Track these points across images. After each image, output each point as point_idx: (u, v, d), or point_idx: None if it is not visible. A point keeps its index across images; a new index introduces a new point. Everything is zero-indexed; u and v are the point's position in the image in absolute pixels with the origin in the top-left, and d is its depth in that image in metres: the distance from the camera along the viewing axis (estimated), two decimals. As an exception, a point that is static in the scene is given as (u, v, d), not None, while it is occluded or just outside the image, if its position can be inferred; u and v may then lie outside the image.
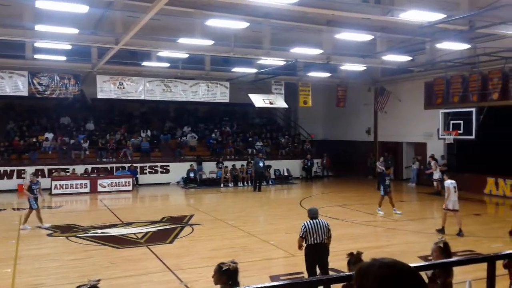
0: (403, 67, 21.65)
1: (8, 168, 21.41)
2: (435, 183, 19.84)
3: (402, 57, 19.42)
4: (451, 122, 19.07)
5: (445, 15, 12.09)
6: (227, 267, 4.48)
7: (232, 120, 30.15)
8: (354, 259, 5.19)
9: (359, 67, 21.91)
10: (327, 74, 24.11)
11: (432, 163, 20.02)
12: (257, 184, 22.03)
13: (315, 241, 7.38)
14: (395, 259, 1.52)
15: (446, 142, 20.92)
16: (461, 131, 18.51)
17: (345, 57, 20.21)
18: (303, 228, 7.45)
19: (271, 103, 23.18)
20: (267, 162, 24.38)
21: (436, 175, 19.73)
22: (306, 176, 26.35)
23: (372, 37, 17.68)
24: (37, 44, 17.71)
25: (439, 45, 17.31)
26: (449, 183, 12.13)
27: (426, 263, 2.23)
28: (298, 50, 17.84)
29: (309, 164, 26.19)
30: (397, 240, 11.76)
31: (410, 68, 22.14)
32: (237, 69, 22.58)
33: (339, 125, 29.36)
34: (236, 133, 28.63)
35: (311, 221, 7.48)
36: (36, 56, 19.23)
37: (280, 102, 23.75)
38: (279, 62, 20.08)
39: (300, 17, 16.37)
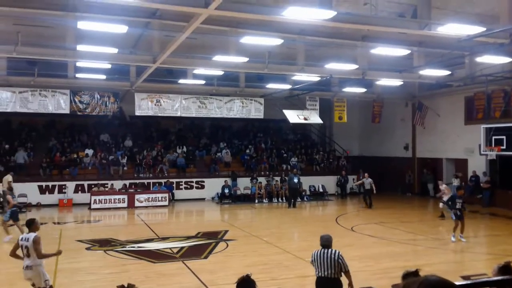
0: (442, 82, 21.19)
1: (50, 183, 22.13)
2: (441, 205, 17.91)
3: (440, 71, 18.99)
4: (493, 137, 18.39)
5: (485, 28, 11.77)
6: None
7: (267, 136, 30.20)
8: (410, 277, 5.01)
9: (396, 82, 21.58)
10: (363, 90, 23.85)
11: (444, 186, 17.76)
12: (292, 201, 21.87)
13: (322, 274, 6.28)
14: (440, 277, 1.46)
15: (488, 158, 20.18)
16: (504, 147, 17.82)
17: (381, 72, 19.98)
18: (312, 256, 6.46)
19: (305, 119, 23.11)
20: (302, 178, 24.21)
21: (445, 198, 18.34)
22: (341, 192, 25.97)
23: (409, 51, 17.43)
24: (78, 64, 18.41)
25: (478, 59, 16.85)
26: None
27: (471, 281, 2.12)
28: (333, 66, 17.76)
29: (343, 180, 25.82)
30: (438, 259, 11.34)
31: (449, 83, 21.64)
32: (271, 85, 22.67)
33: (375, 141, 28.89)
34: (270, 149, 28.64)
35: (321, 250, 6.40)
36: (77, 75, 19.97)
37: (314, 118, 23.65)
38: (313, 78, 20.05)
39: (335, 33, 16.36)
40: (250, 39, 14.12)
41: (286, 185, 23.35)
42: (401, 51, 16.33)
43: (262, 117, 24.01)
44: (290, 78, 21.76)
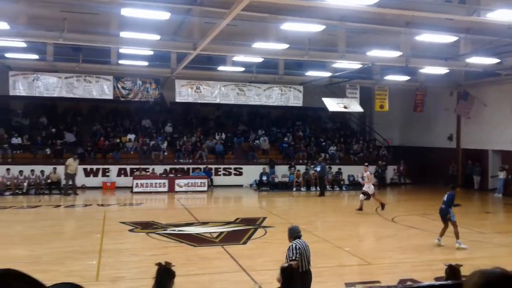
0: (490, 70, 20.33)
1: (94, 167, 22.89)
2: (361, 196, 16.72)
3: (488, 59, 18.21)
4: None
5: (539, 13, 11.18)
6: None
7: (305, 124, 29.99)
8: (452, 271, 4.94)
9: (441, 70, 20.88)
10: (406, 78, 23.22)
11: (367, 173, 16.91)
12: (318, 189, 22.10)
13: (306, 268, 5.96)
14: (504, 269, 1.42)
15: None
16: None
17: (425, 60, 19.37)
18: (295, 249, 5.87)
19: (345, 107, 22.79)
20: (342, 168, 24.07)
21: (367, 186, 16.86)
22: (379, 183, 25.53)
23: (456, 38, 16.79)
24: (121, 50, 18.82)
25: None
26: None
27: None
28: (375, 53, 17.38)
29: (380, 170, 25.31)
30: (481, 253, 10.99)
31: (497, 71, 20.74)
32: (311, 73, 22.41)
33: (417, 131, 28.13)
34: (308, 137, 28.46)
35: (301, 241, 6.03)
36: (120, 62, 20.42)
37: (355, 107, 23.28)
38: (354, 65, 19.68)
39: (378, 19, 15.92)
40: (291, 26, 13.98)
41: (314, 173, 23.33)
42: (447, 38, 15.76)
43: (301, 105, 23.84)
44: (330, 65, 21.43)
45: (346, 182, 24.85)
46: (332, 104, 22.86)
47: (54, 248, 10.67)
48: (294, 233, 6.20)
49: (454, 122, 25.72)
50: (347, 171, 25.18)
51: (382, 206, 16.37)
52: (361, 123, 31.72)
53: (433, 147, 26.70)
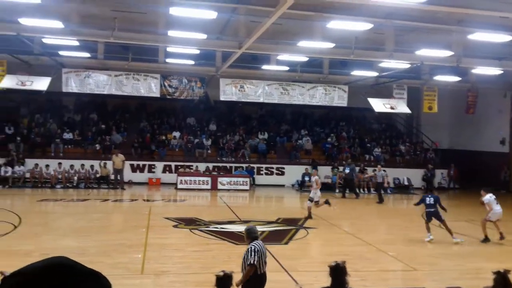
0: (548, 71, 19.28)
1: (141, 163, 23.50)
2: (308, 203, 15.58)
3: (547, 59, 17.28)
4: None
5: None
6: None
7: (349, 125, 29.54)
8: (501, 278, 4.71)
9: (494, 71, 19.98)
10: (456, 78, 22.38)
11: (315, 178, 15.97)
12: (344, 191, 21.90)
13: (263, 270, 5.78)
14: None
15: None
16: None
17: (478, 60, 18.62)
18: (253, 251, 5.65)
19: (392, 108, 22.25)
20: (388, 171, 23.44)
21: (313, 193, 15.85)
22: (426, 187, 24.75)
23: (511, 38, 16.00)
24: (169, 49, 19.19)
25: None
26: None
27: None
28: (424, 52, 16.87)
29: (429, 174, 24.53)
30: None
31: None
32: (356, 72, 22.02)
33: (467, 134, 27.07)
34: (352, 138, 28.00)
35: (257, 242, 5.83)
36: (167, 60, 20.84)
37: (402, 107, 22.68)
38: (402, 65, 19.17)
39: (428, 17, 15.42)
40: (337, 24, 13.78)
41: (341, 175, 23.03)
42: (501, 37, 15.03)
43: (345, 105, 23.47)
44: (376, 64, 20.99)
45: (392, 185, 24.23)
46: (378, 105, 22.36)
47: (101, 240, 11.02)
48: (251, 234, 6.01)
49: (507, 125, 24.58)
50: (393, 173, 24.56)
51: (308, 216, 15.00)
52: (408, 125, 30.88)
53: (484, 151, 25.62)
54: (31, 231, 11.78)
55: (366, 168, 23.72)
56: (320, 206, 15.39)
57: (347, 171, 22.07)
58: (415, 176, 25.19)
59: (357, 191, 21.98)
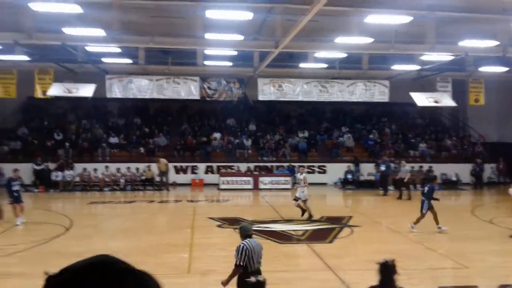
0: None
1: (184, 164, 23.94)
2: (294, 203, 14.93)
3: None
4: None
5: None
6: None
7: (391, 121, 28.91)
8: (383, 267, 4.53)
9: (545, 58, 19.03)
10: (504, 69, 21.46)
11: (303, 176, 14.92)
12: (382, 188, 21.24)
13: (254, 268, 5.71)
14: None
15: None
16: None
17: (526, 48, 17.77)
18: (242, 250, 5.63)
19: (436, 101, 21.62)
20: (434, 166, 22.89)
21: None
22: (475, 182, 23.88)
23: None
24: (207, 52, 19.45)
25: None
26: None
27: None
28: (468, 43, 16.27)
29: (478, 169, 23.62)
30: None
31: None
32: (397, 67, 21.51)
33: (517, 126, 25.90)
34: (395, 134, 27.39)
35: (249, 240, 5.80)
36: (206, 63, 21.13)
37: (446, 101, 22.00)
38: (445, 57, 18.58)
39: (470, 7, 14.89)
40: (376, 18, 13.52)
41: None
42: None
43: (386, 100, 22.98)
44: (418, 58, 20.43)
45: (439, 181, 23.47)
46: (421, 99, 21.78)
47: (148, 240, 11.31)
48: (244, 232, 5.98)
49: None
50: (439, 169, 23.82)
51: (303, 212, 14.41)
52: (454, 118, 29.88)
53: (535, 143, 24.44)
54: (82, 233, 12.24)
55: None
56: (297, 207, 14.51)
57: (382, 168, 21.61)
58: (463, 171, 24.32)
59: (388, 188, 21.30)
